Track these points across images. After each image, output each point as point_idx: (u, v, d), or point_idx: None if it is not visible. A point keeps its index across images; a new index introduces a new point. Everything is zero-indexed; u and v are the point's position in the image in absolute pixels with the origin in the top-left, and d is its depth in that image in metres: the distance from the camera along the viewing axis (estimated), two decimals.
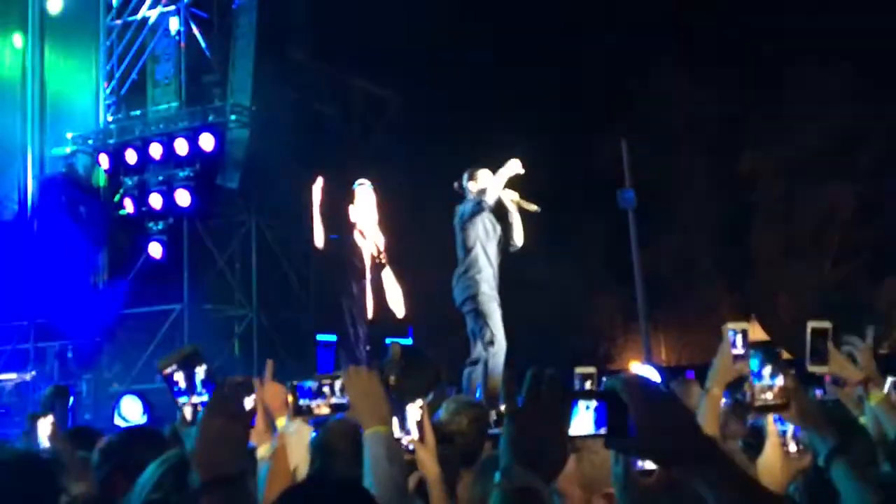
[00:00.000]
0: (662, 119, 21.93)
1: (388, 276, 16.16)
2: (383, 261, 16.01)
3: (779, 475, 2.92)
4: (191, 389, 2.39)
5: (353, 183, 16.03)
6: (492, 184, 8.60)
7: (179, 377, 2.39)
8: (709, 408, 3.28)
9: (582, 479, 2.75)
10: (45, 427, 3.61)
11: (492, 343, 8.38)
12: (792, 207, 23.12)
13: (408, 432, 3.21)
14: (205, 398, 2.33)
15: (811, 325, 3.43)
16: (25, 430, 3.72)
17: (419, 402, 3.24)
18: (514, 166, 8.59)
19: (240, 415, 2.28)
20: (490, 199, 8.57)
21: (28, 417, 3.75)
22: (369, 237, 15.83)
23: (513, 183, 8.82)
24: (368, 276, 15.45)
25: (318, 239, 15.04)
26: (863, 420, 3.47)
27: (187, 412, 2.35)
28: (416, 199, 16.47)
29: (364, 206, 16.06)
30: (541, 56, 20.81)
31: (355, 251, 15.41)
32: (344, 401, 2.96)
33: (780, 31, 20.71)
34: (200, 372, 2.38)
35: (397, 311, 16.34)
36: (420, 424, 3.23)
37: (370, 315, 15.40)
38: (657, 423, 1.68)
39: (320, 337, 14.35)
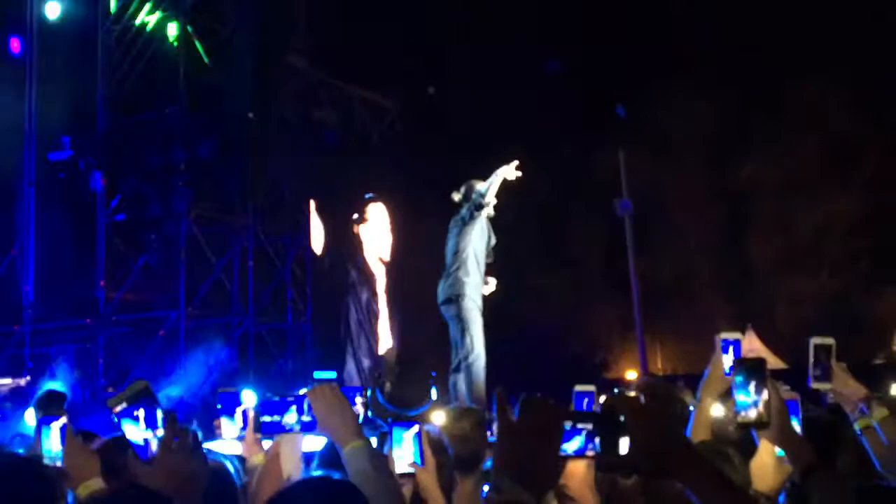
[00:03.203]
0: (660, 129, 21.94)
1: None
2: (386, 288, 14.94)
3: (771, 478, 2.93)
4: (152, 424, 2.37)
5: (351, 192, 15.60)
6: (490, 183, 8.74)
7: (140, 413, 2.37)
8: (700, 417, 3.29)
9: (595, 483, 2.76)
10: (55, 431, 3.56)
11: (472, 349, 8.44)
12: (789, 218, 23.13)
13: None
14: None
15: (814, 341, 3.36)
16: (32, 436, 3.67)
17: (414, 427, 3.20)
18: (509, 169, 8.73)
19: (193, 451, 2.26)
20: (489, 197, 8.69)
21: (37, 419, 3.66)
22: (384, 258, 14.86)
23: (510, 190, 8.92)
24: (385, 308, 14.56)
25: (317, 248, 14.64)
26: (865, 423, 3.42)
27: (153, 445, 2.34)
28: (415, 206, 16.43)
29: (378, 223, 15.38)
30: (539, 64, 20.83)
31: (367, 277, 14.45)
32: (310, 419, 2.94)
33: (777, 42, 20.74)
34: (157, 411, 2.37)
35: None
36: (417, 449, 3.17)
37: (381, 350, 14.50)
38: (650, 443, 1.70)
39: (318, 374, 14.04)
